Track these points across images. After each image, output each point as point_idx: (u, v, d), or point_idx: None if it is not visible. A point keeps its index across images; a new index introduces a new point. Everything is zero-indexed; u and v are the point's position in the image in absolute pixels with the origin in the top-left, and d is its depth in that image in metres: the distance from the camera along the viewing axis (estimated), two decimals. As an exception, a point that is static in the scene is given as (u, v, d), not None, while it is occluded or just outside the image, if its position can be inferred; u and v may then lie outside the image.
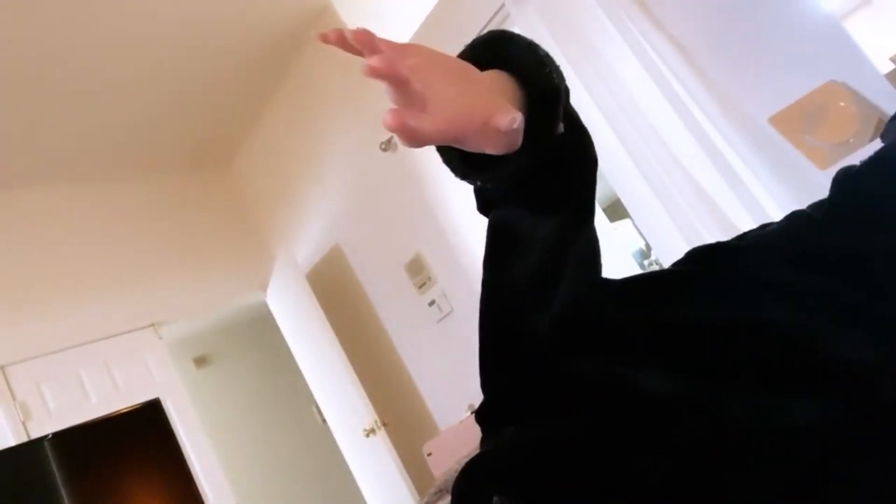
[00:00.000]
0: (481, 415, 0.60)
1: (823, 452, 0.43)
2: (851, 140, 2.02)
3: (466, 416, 2.85)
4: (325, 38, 0.46)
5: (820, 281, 0.52)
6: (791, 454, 0.43)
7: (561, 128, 0.57)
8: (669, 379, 0.49)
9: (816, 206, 0.61)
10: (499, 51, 0.56)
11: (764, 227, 0.64)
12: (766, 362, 0.48)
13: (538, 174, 0.57)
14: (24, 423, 3.00)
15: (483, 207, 0.68)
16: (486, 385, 0.60)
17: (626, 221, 4.20)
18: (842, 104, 2.03)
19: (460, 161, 0.58)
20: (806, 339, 0.49)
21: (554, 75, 0.55)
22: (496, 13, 2.77)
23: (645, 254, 4.27)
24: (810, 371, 0.47)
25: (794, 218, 0.61)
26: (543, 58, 0.55)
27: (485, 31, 2.82)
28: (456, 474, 0.51)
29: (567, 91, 0.58)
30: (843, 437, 0.43)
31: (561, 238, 0.59)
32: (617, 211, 4.29)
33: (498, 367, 0.59)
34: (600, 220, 4.12)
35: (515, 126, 0.46)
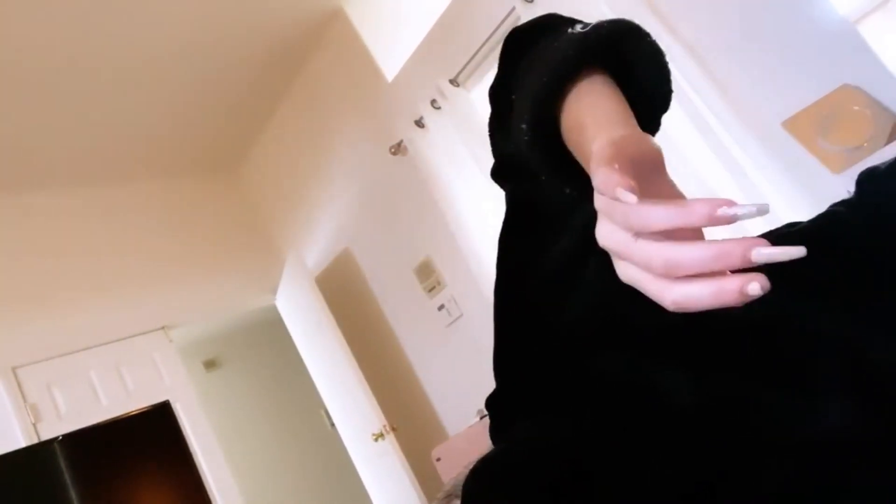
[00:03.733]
0: (492, 402, 0.58)
1: (856, 457, 0.42)
2: (866, 144, 2.00)
3: (476, 421, 2.84)
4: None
5: (852, 281, 0.51)
6: (820, 460, 0.42)
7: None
8: (696, 381, 0.47)
9: (846, 205, 0.59)
10: (621, 47, 0.53)
11: (791, 225, 0.62)
12: (798, 364, 0.47)
13: None
14: (34, 425, 3.02)
15: (503, 174, 0.63)
16: (499, 372, 0.58)
17: (637, 226, 4.17)
18: (856, 108, 2.01)
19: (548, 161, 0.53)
20: (840, 341, 0.47)
21: (669, 95, 0.53)
22: (507, 16, 2.77)
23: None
24: (844, 374, 0.46)
25: (825, 218, 0.59)
26: (667, 74, 0.53)
27: (496, 33, 2.83)
28: (465, 478, 0.50)
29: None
30: (877, 442, 0.42)
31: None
32: (628, 216, 4.24)
33: (514, 355, 0.58)
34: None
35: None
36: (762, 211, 0.33)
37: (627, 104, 0.49)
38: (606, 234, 0.38)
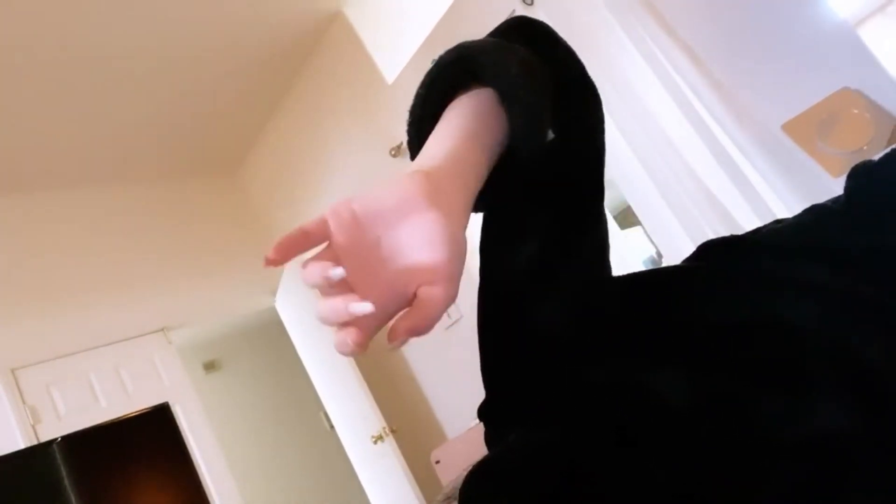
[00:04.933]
0: (483, 412, 0.58)
1: (847, 459, 0.42)
2: (866, 148, 2.00)
3: (475, 423, 2.84)
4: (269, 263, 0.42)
5: (843, 279, 0.51)
6: (815, 461, 0.42)
7: (550, 134, 0.54)
8: (690, 382, 0.47)
9: (835, 201, 0.59)
10: (470, 67, 0.51)
11: (779, 222, 0.62)
12: (789, 364, 0.47)
13: (534, 171, 0.54)
14: (33, 427, 3.01)
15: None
16: (487, 381, 0.58)
17: (637, 229, 4.18)
18: (856, 111, 2.01)
19: None
20: (832, 340, 0.47)
21: (532, 88, 0.50)
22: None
23: (656, 261, 4.24)
24: (838, 373, 0.45)
25: (813, 212, 0.59)
26: (519, 72, 0.50)
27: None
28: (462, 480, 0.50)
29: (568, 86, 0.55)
30: (868, 444, 0.42)
31: (564, 228, 0.57)
32: (628, 218, 4.26)
33: (497, 363, 0.57)
34: (611, 228, 4.11)
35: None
36: (337, 276, 0.39)
37: (460, 126, 0.49)
38: None
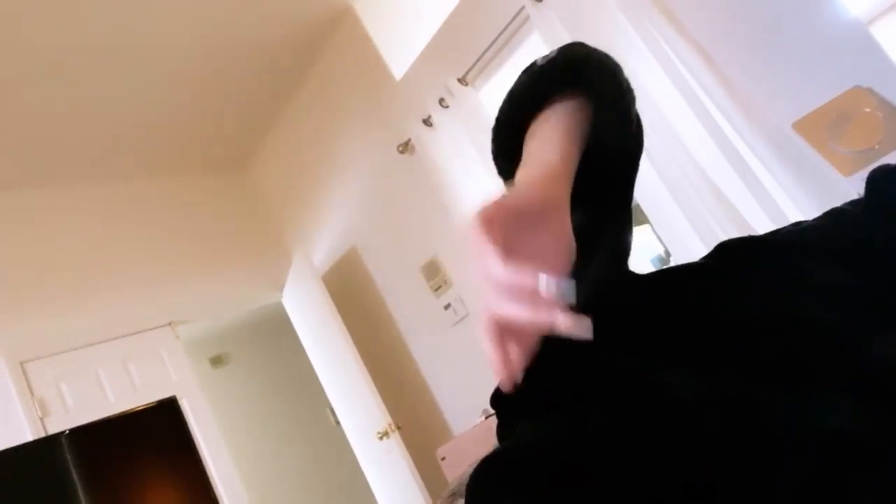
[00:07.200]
0: (496, 400, 0.59)
1: (856, 457, 0.41)
2: (877, 146, 1.99)
3: (481, 420, 2.84)
4: None
5: (860, 280, 0.51)
6: (824, 458, 0.42)
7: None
8: (701, 379, 0.47)
9: (854, 204, 0.59)
10: (576, 72, 0.56)
11: (798, 224, 0.62)
12: (802, 362, 0.47)
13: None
14: (41, 419, 3.03)
15: (504, 174, 0.68)
16: None
17: (646, 227, 4.16)
18: (867, 110, 2.00)
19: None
20: (846, 340, 0.47)
21: (627, 102, 0.55)
22: (516, 15, 2.76)
23: (664, 260, 4.23)
24: (847, 373, 0.45)
25: (832, 215, 0.59)
26: (625, 91, 0.56)
27: (504, 32, 2.83)
28: (469, 477, 0.50)
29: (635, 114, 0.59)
30: (878, 442, 0.42)
31: (595, 224, 0.58)
32: (636, 217, 4.23)
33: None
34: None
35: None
36: (561, 290, 0.41)
37: (565, 131, 0.53)
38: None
